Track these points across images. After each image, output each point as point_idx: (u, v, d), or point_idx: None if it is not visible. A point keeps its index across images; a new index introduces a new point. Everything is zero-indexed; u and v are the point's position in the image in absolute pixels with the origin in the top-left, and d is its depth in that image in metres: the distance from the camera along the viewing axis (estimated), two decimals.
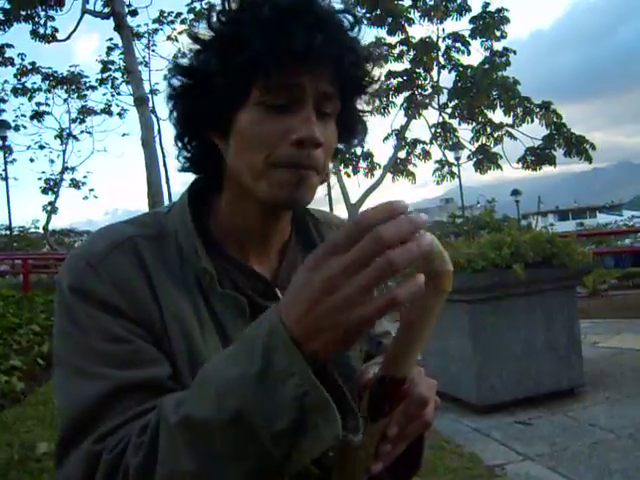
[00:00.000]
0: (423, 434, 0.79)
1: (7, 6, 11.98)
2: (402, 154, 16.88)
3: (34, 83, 18.05)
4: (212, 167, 0.84)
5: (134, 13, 12.06)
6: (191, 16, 14.97)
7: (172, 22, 17.00)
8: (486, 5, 15.53)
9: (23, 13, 12.41)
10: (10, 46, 15.18)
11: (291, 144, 0.73)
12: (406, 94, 16.26)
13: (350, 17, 0.76)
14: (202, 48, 0.78)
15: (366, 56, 0.78)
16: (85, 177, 20.45)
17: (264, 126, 0.74)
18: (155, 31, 17.52)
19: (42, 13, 12.73)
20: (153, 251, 0.77)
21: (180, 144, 0.84)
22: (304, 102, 0.74)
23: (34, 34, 13.27)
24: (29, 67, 17.35)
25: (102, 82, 18.31)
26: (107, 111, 19.41)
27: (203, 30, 0.78)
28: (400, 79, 16.08)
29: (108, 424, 0.67)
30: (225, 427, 0.58)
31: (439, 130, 16.92)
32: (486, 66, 15.68)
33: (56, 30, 13.48)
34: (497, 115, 16.14)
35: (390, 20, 15.34)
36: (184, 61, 0.80)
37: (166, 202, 10.32)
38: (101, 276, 0.73)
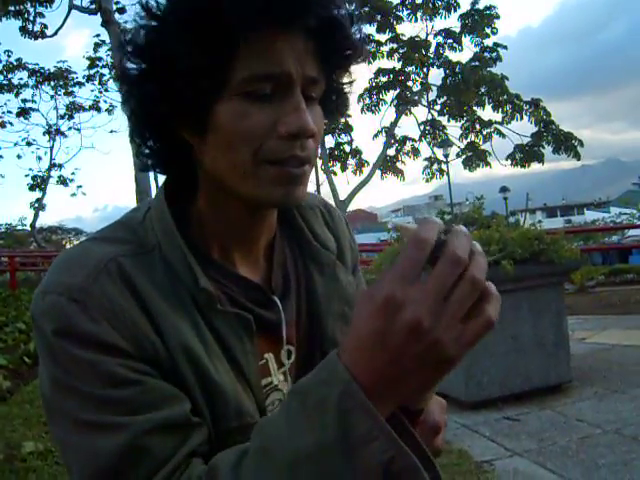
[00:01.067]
0: None
1: None
2: (391, 151, 16.95)
3: (20, 79, 17.93)
4: (181, 165, 0.74)
5: (122, 11, 11.93)
6: None
7: None
8: (474, 2, 15.60)
9: (12, 9, 12.29)
10: None
11: (282, 137, 0.65)
12: (396, 91, 16.32)
13: None
14: (162, 24, 0.64)
15: (354, 20, 0.69)
16: (73, 174, 20.41)
17: (250, 118, 0.64)
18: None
19: (32, 9, 12.62)
20: (140, 270, 0.67)
21: (138, 140, 0.72)
22: (291, 89, 0.65)
23: (23, 30, 13.14)
24: (15, 63, 17.21)
25: (89, 78, 18.17)
26: (95, 107, 19.28)
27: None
28: (390, 76, 16.14)
29: None
30: None
31: (428, 127, 16.99)
32: (475, 63, 15.76)
33: (45, 27, 13.37)
34: (486, 112, 16.26)
35: (379, 17, 15.37)
36: (140, 40, 0.66)
37: None
38: (90, 312, 0.62)
